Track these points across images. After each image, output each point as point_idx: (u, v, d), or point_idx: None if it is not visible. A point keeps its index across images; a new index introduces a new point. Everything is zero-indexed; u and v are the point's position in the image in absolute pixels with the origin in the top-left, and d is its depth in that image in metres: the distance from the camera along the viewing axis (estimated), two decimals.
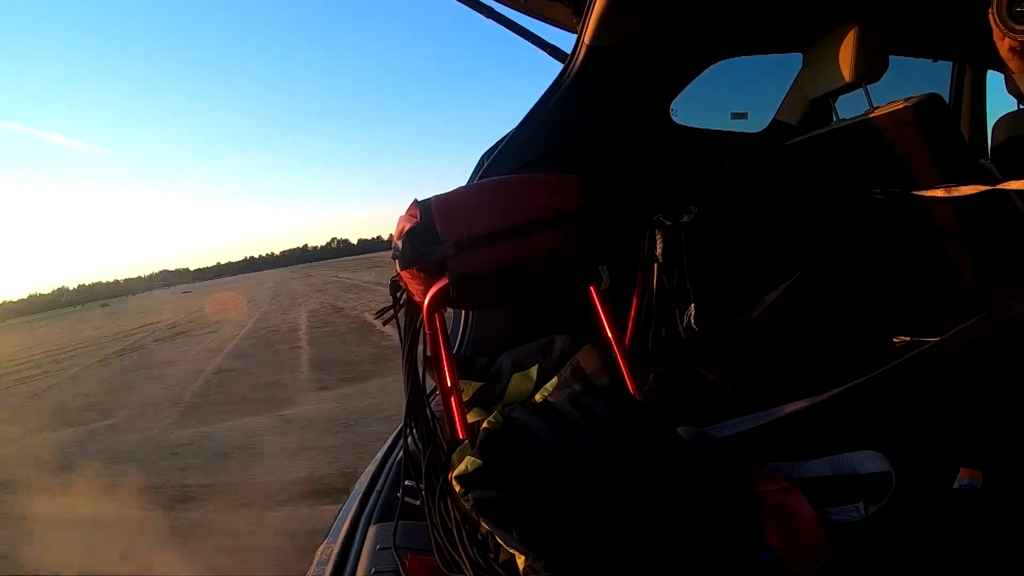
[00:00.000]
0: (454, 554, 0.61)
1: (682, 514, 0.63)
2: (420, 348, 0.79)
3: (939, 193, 1.06)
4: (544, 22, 1.49)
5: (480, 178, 1.25)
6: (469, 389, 0.88)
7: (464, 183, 1.14)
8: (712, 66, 1.46)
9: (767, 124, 1.66)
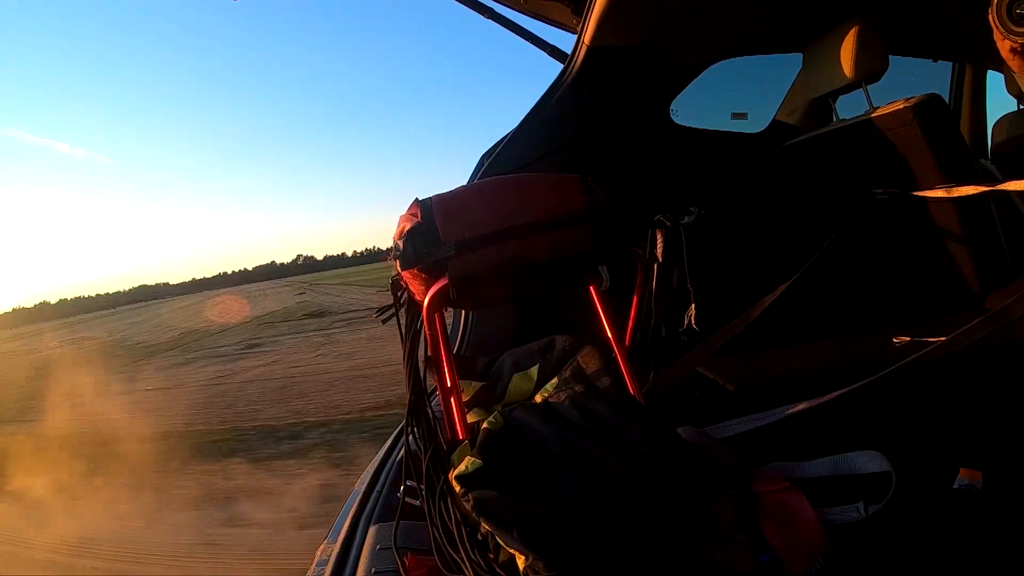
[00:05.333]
0: (454, 554, 0.61)
1: (682, 514, 0.63)
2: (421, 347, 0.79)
3: (939, 193, 1.06)
4: (544, 22, 1.49)
5: (480, 178, 1.25)
6: (469, 389, 0.88)
7: (453, 188, 1.14)
8: (712, 66, 1.46)
9: (767, 124, 1.66)
